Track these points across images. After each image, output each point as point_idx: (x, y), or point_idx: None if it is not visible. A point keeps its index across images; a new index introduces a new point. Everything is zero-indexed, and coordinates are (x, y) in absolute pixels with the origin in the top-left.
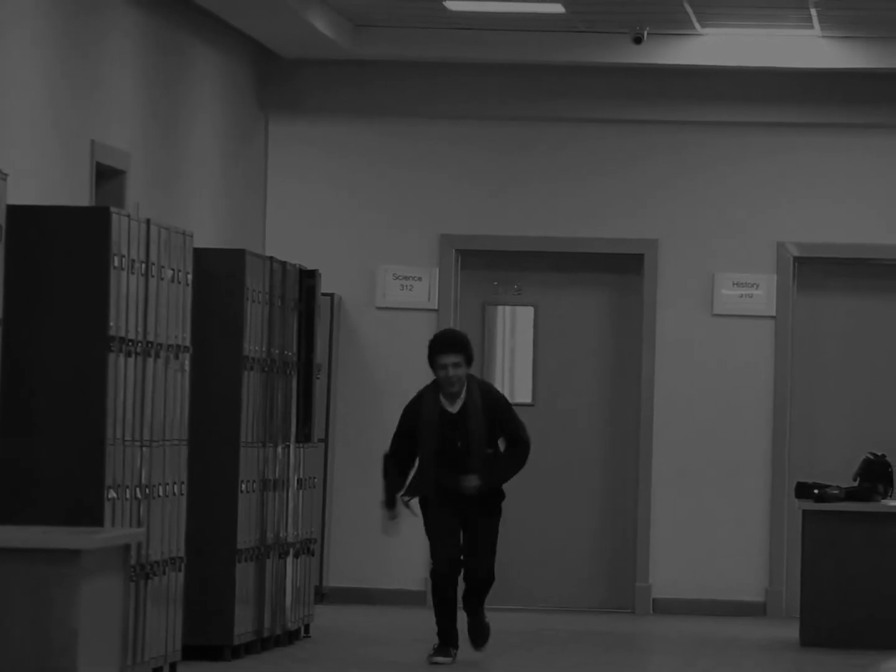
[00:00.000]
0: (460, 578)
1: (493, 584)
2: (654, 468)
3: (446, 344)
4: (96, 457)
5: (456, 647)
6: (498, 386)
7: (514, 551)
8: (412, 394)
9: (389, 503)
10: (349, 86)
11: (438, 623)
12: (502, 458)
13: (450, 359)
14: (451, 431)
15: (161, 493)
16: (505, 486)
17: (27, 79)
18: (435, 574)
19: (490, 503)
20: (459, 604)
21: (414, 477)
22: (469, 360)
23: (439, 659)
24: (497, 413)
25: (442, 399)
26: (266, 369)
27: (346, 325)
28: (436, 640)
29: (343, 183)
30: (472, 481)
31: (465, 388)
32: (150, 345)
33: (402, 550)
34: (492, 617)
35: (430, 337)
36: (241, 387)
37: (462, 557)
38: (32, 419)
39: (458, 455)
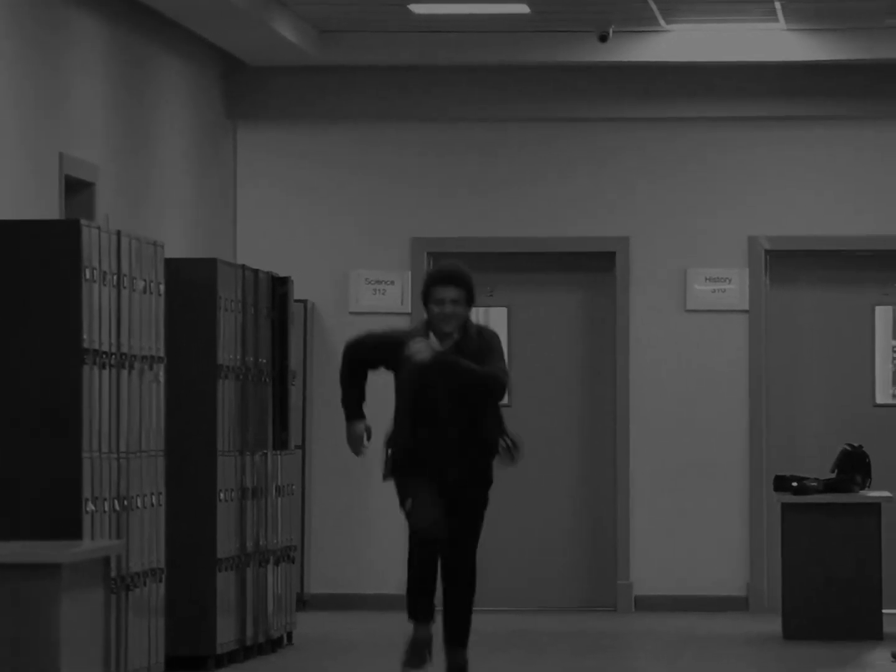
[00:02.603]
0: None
1: (472, 586)
2: (631, 465)
3: (447, 276)
4: (73, 470)
5: (430, 633)
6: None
7: (494, 552)
8: (387, 396)
9: (353, 415)
10: (316, 92)
11: (410, 598)
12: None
13: (449, 293)
14: (435, 379)
15: (139, 505)
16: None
17: None
18: (415, 533)
19: (476, 492)
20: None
21: (391, 446)
22: (471, 301)
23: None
24: (484, 349)
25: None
26: (241, 377)
27: (320, 331)
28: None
29: (313, 188)
30: (419, 343)
31: (460, 332)
32: (123, 356)
33: (383, 555)
34: (473, 618)
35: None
36: (216, 396)
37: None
38: (8, 434)
39: (439, 413)
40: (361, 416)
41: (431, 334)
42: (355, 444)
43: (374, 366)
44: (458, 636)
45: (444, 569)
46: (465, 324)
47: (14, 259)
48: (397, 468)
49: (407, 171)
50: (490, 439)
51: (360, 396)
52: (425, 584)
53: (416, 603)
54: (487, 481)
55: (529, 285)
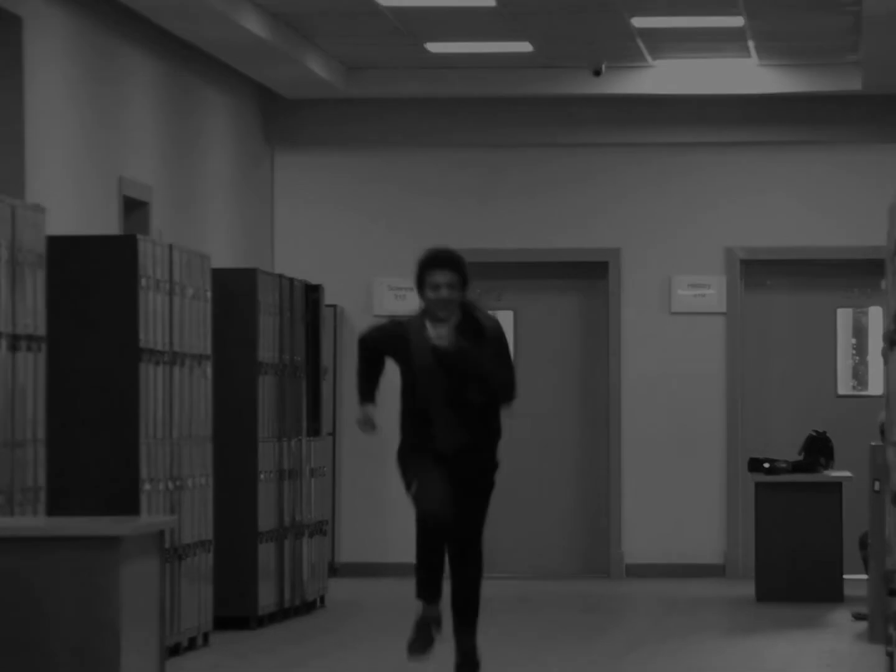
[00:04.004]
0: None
1: (479, 565)
2: (623, 449)
3: (441, 259)
4: (132, 454)
5: (439, 612)
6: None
7: (499, 524)
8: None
9: (364, 399)
10: (344, 121)
11: (419, 577)
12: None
13: (444, 277)
14: (439, 365)
15: (190, 485)
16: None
17: (62, 125)
18: (421, 517)
19: (483, 478)
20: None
21: (403, 441)
22: (465, 285)
23: (416, 654)
24: (488, 340)
25: (429, 329)
26: (279, 373)
27: (348, 332)
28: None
29: (341, 206)
30: (442, 330)
31: (458, 315)
32: (175, 355)
33: (404, 527)
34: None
35: None
36: (257, 389)
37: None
38: (75, 423)
39: (446, 397)
40: (371, 400)
41: (429, 325)
42: (364, 426)
43: (386, 353)
44: (466, 621)
45: (450, 552)
46: (465, 306)
47: (79, 269)
48: (402, 452)
49: (423, 191)
50: (493, 424)
51: (373, 384)
52: (433, 566)
53: (424, 583)
54: (493, 464)
55: (533, 291)
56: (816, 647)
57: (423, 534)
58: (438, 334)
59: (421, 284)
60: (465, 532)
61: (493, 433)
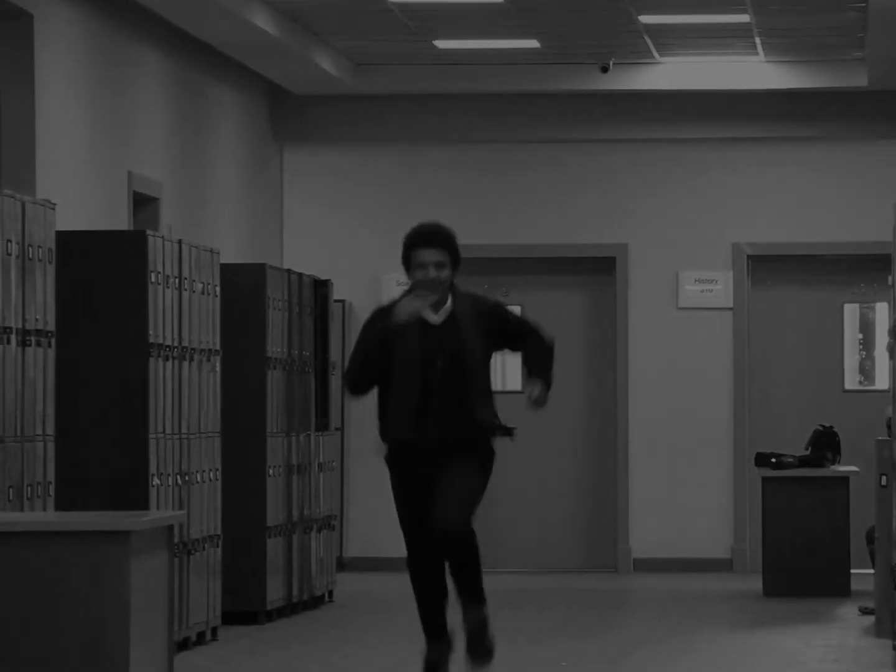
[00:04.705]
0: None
1: (474, 549)
2: (630, 443)
3: (428, 237)
4: (141, 449)
5: (448, 643)
6: (491, 375)
7: (507, 518)
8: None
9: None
10: (352, 117)
11: (421, 615)
12: (531, 356)
13: (432, 256)
14: (432, 349)
15: (199, 479)
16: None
17: (72, 121)
18: (409, 567)
19: (472, 455)
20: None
21: (385, 421)
22: (455, 264)
23: None
24: (493, 321)
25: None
26: (287, 368)
27: (357, 327)
28: (423, 646)
29: (350, 202)
30: (536, 391)
31: (450, 298)
32: (184, 350)
33: None
34: (486, 578)
35: None
36: (265, 384)
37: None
38: (84, 418)
39: (437, 385)
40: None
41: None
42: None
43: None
44: (470, 593)
45: (442, 554)
46: (455, 289)
47: (89, 265)
48: (391, 466)
49: (431, 187)
50: (483, 420)
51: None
52: (433, 601)
53: (426, 619)
54: (485, 453)
55: (540, 286)
56: (823, 642)
57: (414, 577)
58: (412, 306)
59: (408, 264)
60: (447, 510)
61: (483, 428)
